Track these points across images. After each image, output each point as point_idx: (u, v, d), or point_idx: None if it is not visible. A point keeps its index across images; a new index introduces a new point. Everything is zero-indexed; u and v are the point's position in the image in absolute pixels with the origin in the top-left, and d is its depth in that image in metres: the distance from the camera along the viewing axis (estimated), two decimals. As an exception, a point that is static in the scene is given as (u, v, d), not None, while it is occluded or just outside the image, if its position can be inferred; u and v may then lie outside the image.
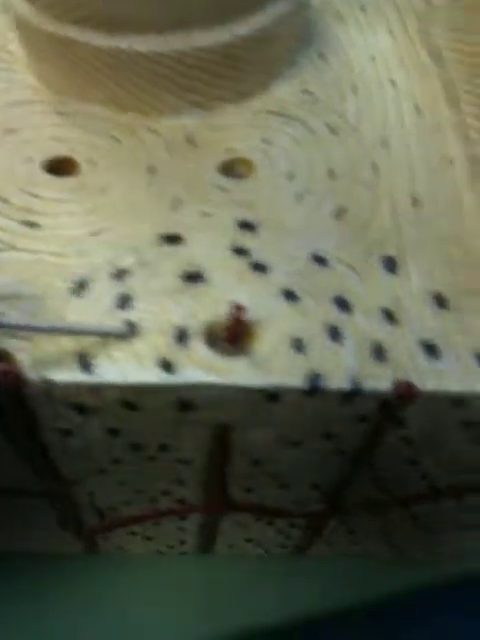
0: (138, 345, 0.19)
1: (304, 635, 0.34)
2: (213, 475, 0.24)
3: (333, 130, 0.25)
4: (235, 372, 0.19)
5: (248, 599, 0.32)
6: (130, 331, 0.19)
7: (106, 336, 0.19)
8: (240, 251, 0.21)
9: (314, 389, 0.19)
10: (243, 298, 0.20)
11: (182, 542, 0.32)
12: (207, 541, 0.32)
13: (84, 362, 0.18)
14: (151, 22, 0.22)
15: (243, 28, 0.23)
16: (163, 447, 0.22)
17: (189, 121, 0.24)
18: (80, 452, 0.22)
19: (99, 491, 0.25)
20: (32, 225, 0.21)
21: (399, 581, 0.33)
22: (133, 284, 0.20)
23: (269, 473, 0.23)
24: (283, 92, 0.26)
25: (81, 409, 0.19)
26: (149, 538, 0.32)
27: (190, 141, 0.24)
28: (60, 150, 0.23)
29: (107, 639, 0.32)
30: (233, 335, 0.19)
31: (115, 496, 0.26)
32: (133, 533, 0.31)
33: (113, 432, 0.21)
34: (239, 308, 0.18)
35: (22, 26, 0.24)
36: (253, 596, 0.32)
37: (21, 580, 0.33)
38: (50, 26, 0.23)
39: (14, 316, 0.19)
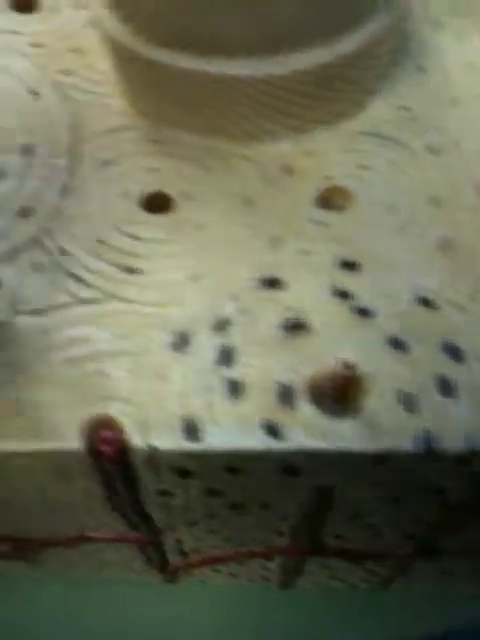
0: (243, 406, 0.16)
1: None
2: (307, 527, 0.21)
3: (434, 150, 0.21)
4: (343, 436, 0.16)
5: (330, 631, 0.29)
6: None
7: None
8: (342, 294, 0.18)
9: (426, 452, 0.16)
10: (348, 349, 0.17)
11: (265, 578, 0.30)
12: (290, 578, 0.29)
13: (190, 428, 0.15)
14: (247, 45, 0.18)
15: (342, 47, 0.19)
16: (262, 505, 0.19)
17: (284, 147, 0.21)
18: (175, 508, 0.19)
19: (188, 538, 0.23)
20: (132, 271, 0.18)
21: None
22: (234, 336, 0.17)
23: (365, 524, 0.20)
24: (380, 110, 0.21)
25: (183, 473, 0.17)
26: (232, 574, 0.29)
27: (286, 169, 0.20)
28: (155, 183, 0.20)
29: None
30: (341, 394, 0.16)
31: (204, 542, 0.23)
32: (216, 570, 0.28)
33: (212, 492, 0.18)
34: (348, 367, 0.15)
35: (113, 46, 0.21)
36: (335, 628, 0.29)
37: (100, 605, 0.30)
38: (143, 49, 0.19)
39: (117, 375, 0.16)
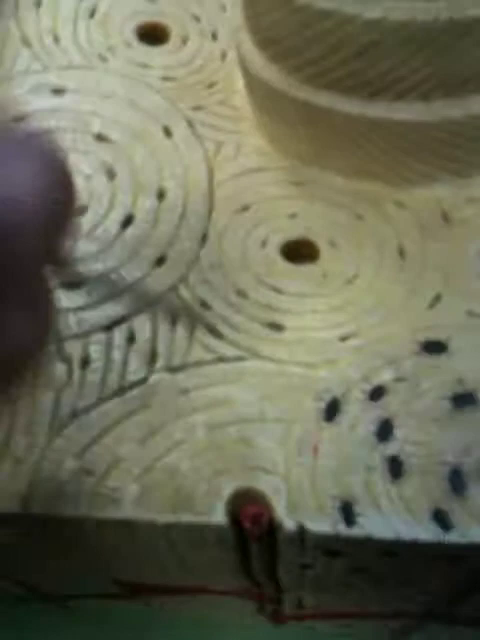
0: (406, 488, 0.16)
1: None
2: (447, 600, 0.21)
3: None
4: (524, 531, 0.16)
5: None
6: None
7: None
8: (517, 364, 0.18)
9: None
10: (526, 428, 0.17)
11: (377, 631, 0.29)
12: (404, 635, 0.29)
13: (346, 511, 0.16)
14: (419, 87, 0.19)
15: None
16: (406, 582, 0.19)
17: (442, 192, 0.21)
18: (310, 577, 0.20)
19: (310, 598, 0.23)
20: (275, 327, 0.19)
21: None
22: (393, 406, 0.17)
23: None
24: None
25: (331, 553, 0.17)
26: (347, 626, 0.29)
27: (445, 217, 0.21)
28: (298, 230, 0.21)
29: None
30: (522, 484, 0.16)
31: (327, 602, 0.24)
32: (330, 622, 0.28)
33: (357, 570, 0.18)
34: None
35: (258, 85, 0.22)
36: None
37: None
38: (297, 91, 0.20)
39: (263, 443, 0.17)
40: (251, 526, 0.16)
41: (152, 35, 0.27)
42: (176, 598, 0.26)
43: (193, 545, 0.17)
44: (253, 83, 0.22)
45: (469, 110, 0.19)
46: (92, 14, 0.27)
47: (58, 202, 0.13)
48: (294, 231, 0.21)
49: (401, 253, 0.20)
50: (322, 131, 0.21)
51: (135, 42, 0.27)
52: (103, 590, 0.26)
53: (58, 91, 0.25)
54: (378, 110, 0.19)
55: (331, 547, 0.16)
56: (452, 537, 0.15)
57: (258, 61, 0.21)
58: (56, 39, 0.27)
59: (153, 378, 0.18)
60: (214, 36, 0.26)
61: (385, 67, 0.18)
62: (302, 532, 0.16)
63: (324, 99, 0.20)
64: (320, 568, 0.18)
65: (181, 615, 0.31)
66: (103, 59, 0.26)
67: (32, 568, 0.22)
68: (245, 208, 0.22)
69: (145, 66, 0.26)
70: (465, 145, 0.20)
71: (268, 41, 0.20)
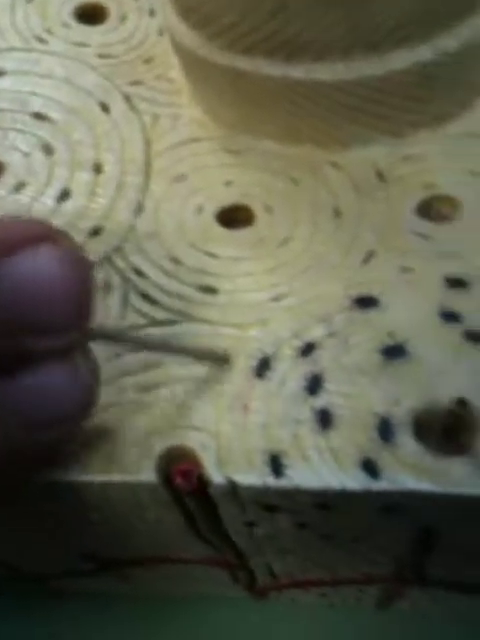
0: (335, 439, 0.16)
1: None
2: (409, 561, 0.21)
3: None
4: (455, 477, 0.15)
5: None
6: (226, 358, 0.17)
7: (203, 359, 0.17)
8: (450, 316, 0.18)
9: None
10: (459, 379, 0.17)
11: (359, 599, 0.30)
12: (387, 602, 0.29)
13: (275, 463, 0.16)
14: (336, 46, 0.19)
15: (448, 43, 0.19)
16: (355, 539, 0.19)
17: (377, 152, 0.21)
18: (263, 538, 0.19)
19: (277, 564, 0.23)
20: (209, 290, 0.19)
21: None
22: (323, 361, 0.17)
23: (476, 557, 0.20)
24: (488, 110, 0.22)
25: (269, 508, 0.17)
26: (324, 595, 0.29)
27: (380, 176, 0.21)
28: (233, 196, 0.21)
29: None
30: (451, 431, 0.16)
31: (294, 567, 0.24)
32: (307, 591, 0.29)
33: (302, 526, 0.18)
34: (463, 403, 0.15)
35: (185, 55, 0.22)
36: None
37: (184, 621, 0.32)
38: (221, 57, 0.21)
39: (194, 402, 0.17)
40: (181, 481, 0.16)
41: (91, 15, 0.27)
42: (151, 571, 0.25)
43: (133, 507, 0.17)
44: (182, 53, 0.22)
45: (389, 67, 0.19)
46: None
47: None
48: (230, 198, 0.21)
49: (337, 213, 0.20)
50: (251, 97, 0.21)
51: (73, 23, 0.27)
52: (75, 566, 0.26)
53: (-3, 73, 0.25)
54: (299, 71, 0.19)
55: (265, 501, 0.16)
56: (381, 485, 0.15)
57: (182, 30, 0.21)
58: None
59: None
60: (151, 13, 0.26)
61: (298, 28, 0.18)
62: (233, 486, 0.16)
63: (246, 63, 0.20)
64: (266, 526, 0.18)
65: (167, 595, 0.32)
66: (41, 41, 0.26)
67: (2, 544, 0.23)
68: (181, 178, 0.22)
69: (83, 45, 0.26)
70: (395, 103, 0.20)
71: (188, 9, 0.20)
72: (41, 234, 0.14)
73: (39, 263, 0.14)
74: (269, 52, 0.20)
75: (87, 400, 0.16)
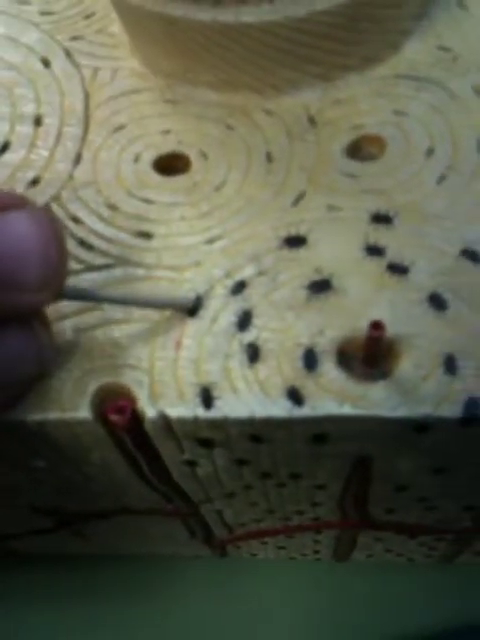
0: (262, 371, 0.16)
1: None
2: (351, 499, 0.21)
3: (479, 91, 0.21)
4: (374, 400, 0.16)
5: (386, 608, 0.29)
6: (198, 303, 0.17)
7: (171, 308, 0.17)
8: (374, 250, 0.18)
9: (471, 418, 0.16)
10: (380, 308, 0.17)
11: (316, 551, 0.30)
12: (343, 551, 0.30)
13: (205, 396, 0.16)
14: (261, -12, 0.19)
15: (368, -17, 0.19)
16: (294, 475, 0.19)
17: (309, 97, 0.21)
18: (206, 479, 0.20)
19: (228, 510, 0.23)
20: (145, 235, 0.19)
21: None
22: (253, 298, 0.17)
23: (414, 497, 0.20)
24: (415, 52, 0.21)
25: (204, 443, 0.17)
26: (282, 547, 0.29)
27: (311, 120, 0.20)
28: (169, 144, 0.21)
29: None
30: (371, 356, 0.16)
31: (245, 515, 0.24)
32: (264, 543, 0.29)
33: (240, 462, 0.18)
34: (378, 326, 0.15)
35: (123, 7, 0.22)
36: (392, 605, 0.29)
37: (149, 581, 0.32)
38: (151, 4, 0.20)
39: (128, 342, 0.17)
40: (116, 417, 0.16)
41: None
42: (106, 525, 0.26)
43: (76, 450, 0.17)
44: (119, 4, 0.22)
45: (313, 6, 0.19)
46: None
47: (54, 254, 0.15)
48: (166, 146, 0.21)
49: (269, 158, 0.20)
50: (185, 45, 0.20)
51: (15, -20, 0.26)
52: (31, 524, 0.26)
53: None
54: (227, 15, 0.19)
55: (199, 434, 0.17)
56: (304, 411, 0.16)
57: (114, -22, 0.21)
58: None
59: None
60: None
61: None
62: (166, 419, 0.16)
63: (176, 9, 0.19)
64: (206, 465, 0.19)
65: (129, 555, 0.32)
66: (-17, -2, 0.25)
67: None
68: (120, 128, 0.21)
69: (24, 2, 0.25)
70: (322, 46, 0.20)
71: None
72: (12, 200, 0.15)
73: (14, 225, 0.14)
74: (199, -3, 0.19)
75: (42, 366, 0.16)
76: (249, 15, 0.19)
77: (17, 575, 0.32)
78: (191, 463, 0.19)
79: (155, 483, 0.20)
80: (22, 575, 0.32)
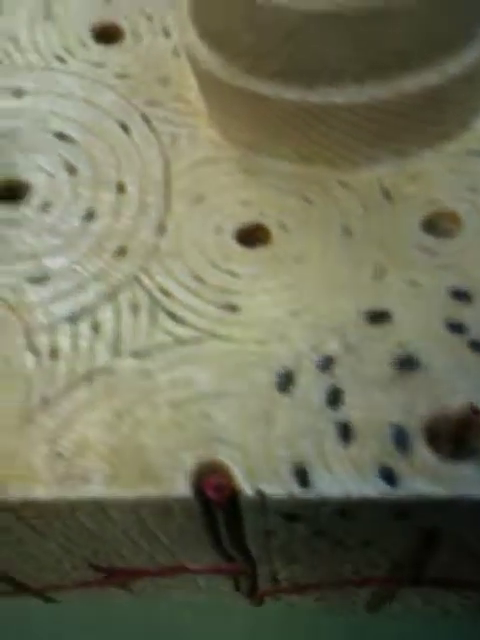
0: (354, 450, 0.17)
1: None
2: (410, 562, 0.22)
3: None
4: (463, 480, 0.16)
5: None
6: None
7: None
8: (456, 327, 0.18)
9: None
10: (465, 386, 0.17)
11: (353, 602, 0.30)
12: (379, 603, 0.30)
13: (300, 474, 0.16)
14: (350, 72, 0.19)
15: (453, 67, 0.19)
16: (366, 543, 0.20)
17: (384, 171, 0.21)
18: (279, 546, 0.20)
19: (283, 570, 0.24)
20: (231, 308, 0.19)
21: None
22: (341, 375, 0.18)
23: (469, 554, 0.20)
24: (485, 128, 0.22)
25: (291, 517, 0.17)
26: (319, 599, 0.30)
27: (387, 195, 0.21)
28: (250, 216, 0.21)
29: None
30: (462, 437, 0.16)
31: (299, 574, 0.24)
32: (304, 595, 0.29)
33: (318, 533, 0.19)
34: (477, 411, 0.16)
35: (204, 77, 0.22)
36: None
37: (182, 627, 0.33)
38: (239, 80, 0.21)
39: (222, 418, 0.17)
40: (214, 494, 0.16)
41: (107, 34, 0.27)
42: (155, 581, 0.26)
43: (162, 519, 0.18)
44: (200, 75, 0.22)
45: (401, 88, 0.19)
46: (48, 16, 0.27)
47: None
48: (247, 217, 0.21)
49: (346, 231, 0.21)
50: (267, 119, 0.21)
51: (90, 42, 0.26)
52: (81, 577, 0.26)
53: (18, 93, 0.25)
54: (316, 96, 0.19)
55: (289, 511, 0.17)
56: (399, 492, 0.16)
57: (202, 52, 0.21)
58: (15, 42, 0.26)
59: (119, 364, 0.18)
60: (166, 33, 0.26)
61: (313, 51, 0.18)
62: (261, 497, 0.16)
63: (267, 88, 0.20)
64: (284, 534, 0.19)
65: (159, 602, 0.31)
66: (60, 60, 0.26)
67: (8, 557, 0.23)
68: (200, 198, 0.22)
69: (100, 65, 0.26)
70: (401, 124, 0.20)
71: (208, 31, 0.20)
72: None
73: None
74: (289, 77, 0.20)
75: None
76: (338, 96, 0.19)
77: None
78: (270, 533, 0.19)
79: (226, 548, 0.21)
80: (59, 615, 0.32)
